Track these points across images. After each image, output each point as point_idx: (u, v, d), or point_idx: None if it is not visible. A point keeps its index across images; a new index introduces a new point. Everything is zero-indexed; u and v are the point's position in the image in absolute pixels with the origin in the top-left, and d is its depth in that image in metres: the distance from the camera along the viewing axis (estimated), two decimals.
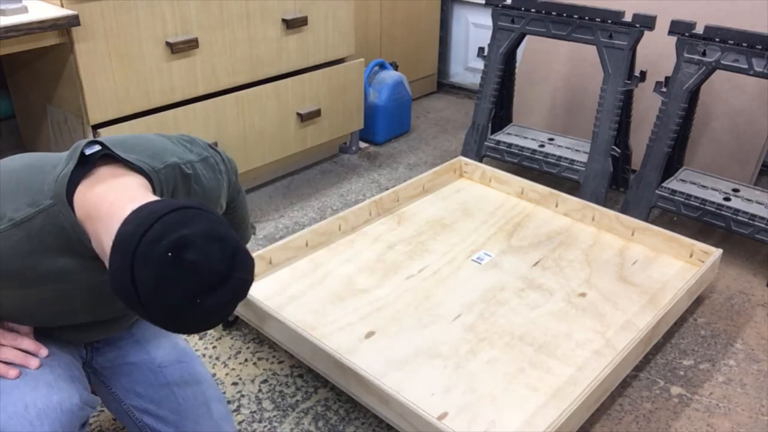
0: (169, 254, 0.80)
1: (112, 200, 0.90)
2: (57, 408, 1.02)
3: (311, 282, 1.82)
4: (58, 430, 1.01)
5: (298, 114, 2.42)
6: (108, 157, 0.98)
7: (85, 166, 0.96)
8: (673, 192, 2.15)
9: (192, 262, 0.81)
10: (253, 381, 1.61)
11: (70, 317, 1.13)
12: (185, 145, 1.13)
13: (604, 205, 2.19)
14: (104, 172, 0.96)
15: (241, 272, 0.85)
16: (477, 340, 1.62)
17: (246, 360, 1.68)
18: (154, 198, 0.90)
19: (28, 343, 1.08)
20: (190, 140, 1.16)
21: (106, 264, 0.90)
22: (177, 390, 1.22)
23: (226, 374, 1.63)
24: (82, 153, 0.96)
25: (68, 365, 1.10)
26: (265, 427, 1.48)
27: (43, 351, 1.08)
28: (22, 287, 0.99)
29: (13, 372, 1.04)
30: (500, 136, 2.59)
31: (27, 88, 2.08)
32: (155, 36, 1.92)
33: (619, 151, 2.33)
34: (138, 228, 0.82)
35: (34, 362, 1.06)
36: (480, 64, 3.00)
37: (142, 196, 0.91)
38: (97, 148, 0.97)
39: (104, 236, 0.88)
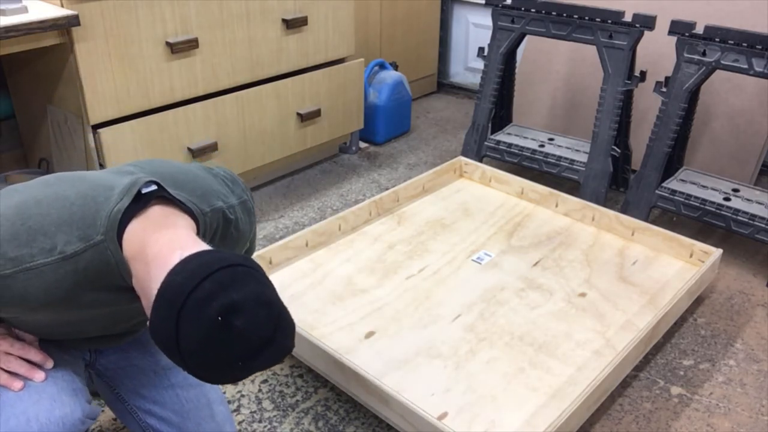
0: (219, 318, 0.81)
1: (162, 244, 0.90)
2: (59, 422, 1.01)
3: (311, 282, 1.82)
4: None
5: (298, 114, 2.42)
6: (161, 193, 0.98)
7: (138, 202, 0.95)
8: (673, 192, 2.15)
9: (240, 328, 0.82)
10: (253, 381, 1.61)
11: (84, 333, 1.13)
12: (228, 184, 1.14)
13: (604, 205, 2.19)
14: (156, 211, 0.96)
15: (283, 338, 0.87)
16: (477, 340, 1.62)
17: None
18: (202, 247, 0.90)
19: (35, 354, 1.07)
20: (232, 179, 1.16)
21: (144, 305, 0.90)
22: (180, 392, 1.23)
23: None
24: (138, 191, 0.96)
25: (72, 377, 1.10)
26: (265, 427, 1.48)
27: (49, 363, 1.07)
28: (54, 313, 0.99)
29: (17, 384, 1.03)
30: (500, 136, 2.59)
31: (27, 88, 2.08)
32: (155, 36, 1.92)
33: (619, 151, 2.33)
34: (187, 281, 0.82)
35: (39, 375, 1.05)
36: (480, 64, 3.00)
37: (190, 242, 0.91)
38: (154, 187, 0.97)
39: (150, 279, 0.88)
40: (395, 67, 3.05)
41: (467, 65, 3.57)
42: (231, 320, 0.81)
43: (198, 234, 1.00)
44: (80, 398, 1.07)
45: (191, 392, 1.23)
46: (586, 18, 2.24)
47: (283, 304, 0.89)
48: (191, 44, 1.99)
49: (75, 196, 0.95)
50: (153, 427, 1.23)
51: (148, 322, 0.87)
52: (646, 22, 2.13)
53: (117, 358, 1.24)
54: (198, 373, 0.85)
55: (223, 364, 0.83)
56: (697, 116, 2.29)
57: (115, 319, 1.11)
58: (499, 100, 2.60)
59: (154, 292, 0.85)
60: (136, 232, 0.93)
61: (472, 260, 1.94)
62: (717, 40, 1.98)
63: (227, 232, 1.11)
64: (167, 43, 1.95)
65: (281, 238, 2.14)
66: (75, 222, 0.93)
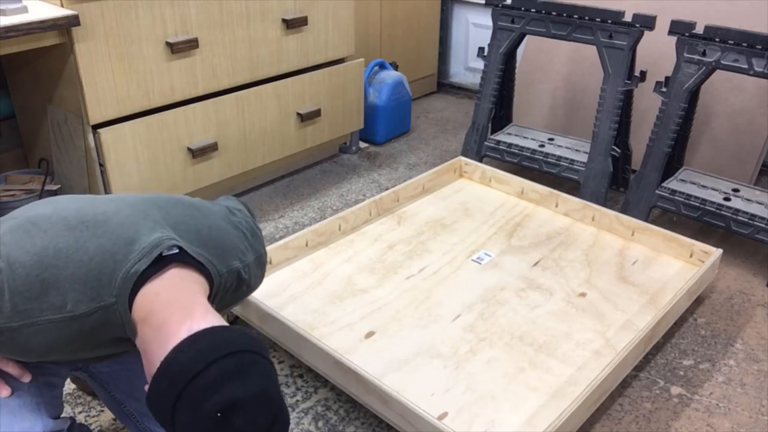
0: (219, 414, 0.80)
1: (172, 313, 0.88)
2: None
3: (311, 282, 1.82)
4: None
5: (298, 114, 2.42)
6: (182, 257, 0.96)
7: (157, 264, 0.93)
8: (673, 192, 2.15)
9: (237, 427, 0.81)
10: None
11: (75, 359, 1.12)
12: (247, 238, 1.13)
13: (604, 205, 2.19)
14: (172, 274, 0.94)
15: None
16: (477, 340, 1.62)
17: None
18: (212, 320, 0.89)
19: (13, 367, 1.04)
20: (251, 232, 1.15)
21: (145, 367, 0.89)
22: None
23: None
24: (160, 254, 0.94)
25: (39, 389, 1.07)
26: None
27: (27, 377, 1.05)
28: (53, 358, 0.99)
29: None
30: (500, 136, 2.59)
31: (27, 88, 2.08)
32: (155, 36, 1.92)
33: (619, 151, 2.33)
34: (192, 363, 0.82)
35: (4, 391, 1.02)
36: (480, 64, 3.00)
37: (201, 314, 0.89)
38: (176, 251, 0.96)
39: (155, 348, 0.87)
40: (395, 67, 3.05)
41: (467, 65, 3.57)
42: (230, 417, 0.80)
43: (210, 294, 0.99)
44: (42, 413, 1.04)
45: None
46: (586, 18, 2.24)
47: (282, 398, 0.87)
48: (191, 44, 1.99)
49: (94, 250, 0.92)
50: (150, 429, 1.22)
51: (146, 386, 0.86)
52: (646, 22, 2.13)
53: (111, 362, 1.23)
54: None
55: None
56: (697, 116, 2.29)
57: (112, 355, 1.10)
58: (499, 100, 2.60)
59: (158, 361, 0.84)
60: (148, 295, 0.91)
61: (472, 260, 1.94)
62: (717, 40, 1.98)
63: (239, 289, 1.11)
64: (167, 43, 1.95)
65: (281, 238, 2.14)
66: (90, 281, 0.91)
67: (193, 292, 0.93)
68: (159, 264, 0.93)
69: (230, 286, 1.07)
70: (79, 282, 0.91)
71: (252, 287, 1.16)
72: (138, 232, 0.96)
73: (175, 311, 0.89)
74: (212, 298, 1.01)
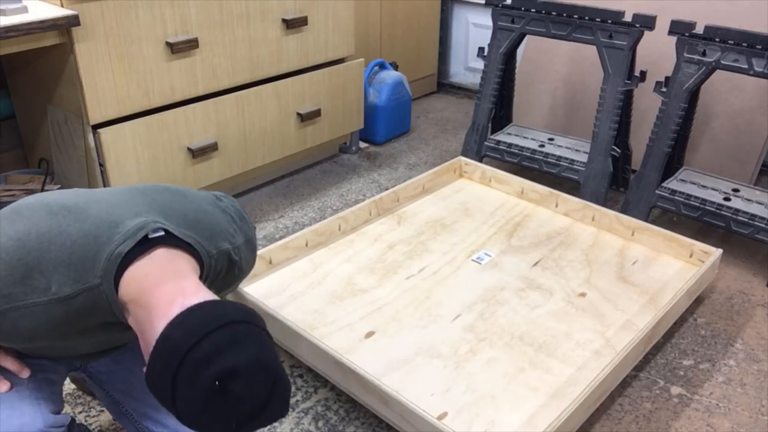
0: (216, 383, 0.80)
1: (163, 291, 0.88)
2: None
3: (311, 282, 1.82)
4: None
5: (298, 114, 2.42)
6: (168, 240, 0.95)
7: (142, 245, 0.93)
8: (673, 192, 2.15)
9: (237, 395, 0.80)
10: None
11: (71, 352, 1.12)
12: (235, 221, 1.13)
13: (604, 205, 2.19)
14: (160, 254, 0.93)
15: (278, 403, 0.85)
16: (477, 340, 1.62)
17: None
18: (204, 295, 0.88)
19: (11, 363, 1.04)
20: (239, 216, 1.15)
21: (142, 347, 0.88)
22: None
23: None
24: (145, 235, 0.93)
25: (38, 384, 1.07)
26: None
27: (25, 372, 1.05)
28: (40, 343, 0.98)
29: None
30: (500, 136, 2.59)
31: (27, 88, 2.08)
32: (155, 36, 1.92)
33: (619, 151, 2.33)
34: (185, 338, 0.81)
35: (3, 386, 1.02)
36: (480, 64, 3.00)
37: (192, 290, 0.89)
38: (161, 233, 0.95)
39: (150, 327, 0.86)
40: (395, 67, 3.05)
41: (467, 65, 3.57)
42: (228, 385, 0.80)
43: (201, 276, 0.98)
44: (43, 408, 1.04)
45: None
46: (586, 18, 2.24)
47: (281, 365, 0.87)
48: (191, 44, 1.99)
49: (77, 233, 0.92)
50: (150, 429, 1.22)
51: (144, 368, 0.86)
52: (646, 22, 2.13)
53: (108, 361, 1.23)
54: (191, 427, 0.84)
55: (217, 426, 0.83)
56: (697, 116, 2.29)
57: (107, 343, 1.10)
58: (499, 100, 2.60)
59: (153, 340, 0.84)
60: (136, 275, 0.90)
61: (472, 260, 1.94)
62: (717, 40, 1.98)
63: (231, 271, 1.10)
64: (167, 43, 1.95)
65: (281, 238, 2.14)
66: (73, 263, 0.91)
67: (183, 270, 0.93)
68: (144, 246, 0.93)
69: (221, 268, 1.07)
70: (63, 264, 0.90)
71: (244, 270, 1.15)
72: (122, 216, 0.95)
73: (167, 289, 0.88)
74: (204, 280, 1.01)
